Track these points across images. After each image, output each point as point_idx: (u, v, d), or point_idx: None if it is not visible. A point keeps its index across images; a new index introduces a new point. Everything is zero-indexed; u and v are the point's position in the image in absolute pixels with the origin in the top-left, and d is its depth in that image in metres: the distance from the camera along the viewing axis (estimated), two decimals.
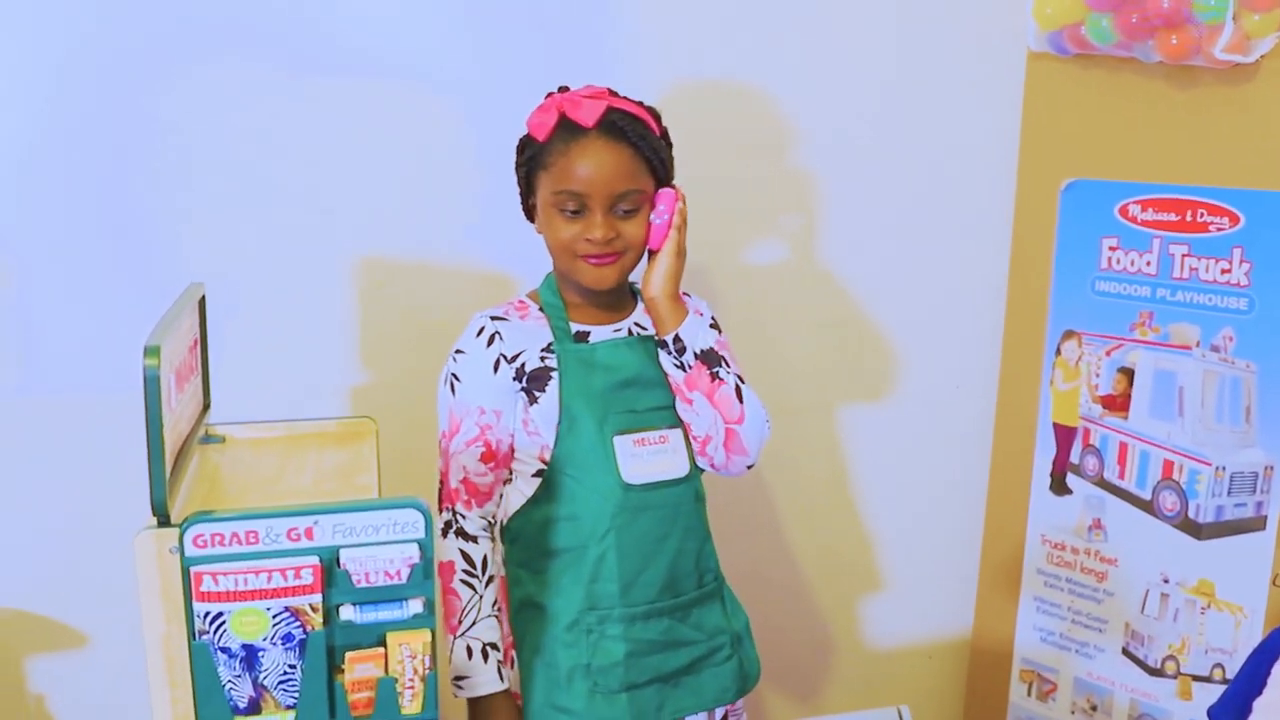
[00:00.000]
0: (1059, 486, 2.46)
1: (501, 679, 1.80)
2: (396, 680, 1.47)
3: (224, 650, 1.43)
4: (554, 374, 1.78)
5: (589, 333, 1.83)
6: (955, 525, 2.66)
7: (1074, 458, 2.44)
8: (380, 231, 2.26)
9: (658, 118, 1.82)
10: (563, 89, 1.80)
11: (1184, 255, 2.24)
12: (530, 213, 1.85)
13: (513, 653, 1.85)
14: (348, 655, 1.46)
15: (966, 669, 2.70)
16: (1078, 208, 2.37)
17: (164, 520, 1.44)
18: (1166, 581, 2.33)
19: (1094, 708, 2.45)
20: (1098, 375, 2.38)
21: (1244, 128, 2.16)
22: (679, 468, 1.83)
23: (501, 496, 1.85)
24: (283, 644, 1.44)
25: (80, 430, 2.21)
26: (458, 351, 1.82)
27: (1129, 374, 2.34)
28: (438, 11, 2.23)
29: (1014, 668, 2.57)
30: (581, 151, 1.73)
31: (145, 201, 2.17)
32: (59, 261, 2.16)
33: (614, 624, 1.79)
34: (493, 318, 1.82)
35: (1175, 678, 2.33)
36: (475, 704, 1.82)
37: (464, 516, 1.81)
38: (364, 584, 1.45)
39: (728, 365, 1.83)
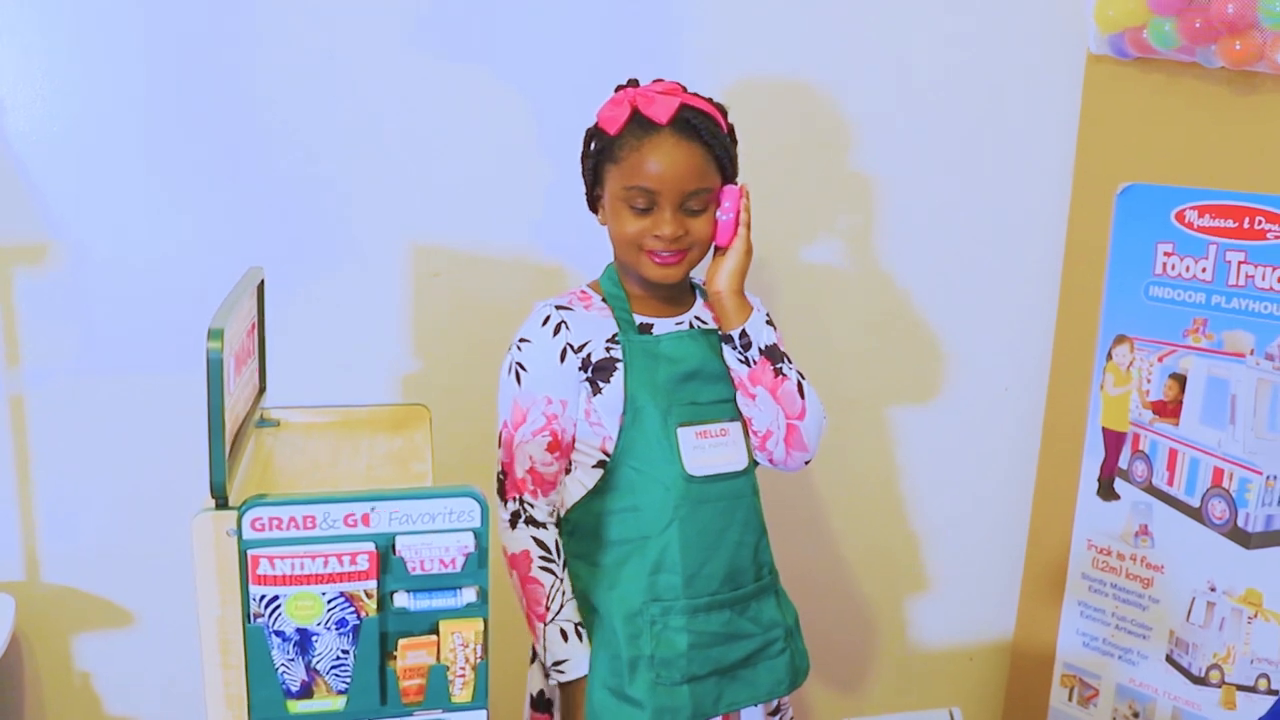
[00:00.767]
0: (1106, 491, 2.45)
1: None
2: (448, 668, 1.48)
3: (278, 634, 1.44)
4: (619, 364, 1.79)
5: (652, 325, 1.84)
6: (1001, 527, 2.65)
7: (1122, 463, 2.42)
8: (436, 221, 2.27)
9: (725, 114, 1.82)
10: (632, 82, 1.80)
11: (1240, 262, 2.22)
12: (594, 204, 1.86)
13: None
14: (400, 642, 1.47)
15: (1008, 671, 2.69)
16: (1133, 212, 2.35)
17: (222, 503, 1.44)
18: (1213, 590, 2.31)
19: (1136, 715, 2.44)
20: (1149, 381, 2.36)
21: None
22: (739, 460, 1.84)
23: (562, 486, 1.86)
24: (336, 629, 1.45)
25: (131, 410, 2.24)
26: (522, 340, 1.82)
27: (1181, 380, 2.32)
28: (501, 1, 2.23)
29: (1056, 672, 2.56)
30: (654, 148, 1.73)
31: (205, 183, 2.19)
32: (118, 242, 2.18)
33: (677, 616, 1.79)
34: (557, 307, 1.82)
35: (1219, 687, 2.31)
36: (573, 686, 1.81)
37: (532, 505, 1.81)
38: (419, 571, 1.45)
39: (789, 361, 1.84)
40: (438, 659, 1.48)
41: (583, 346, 1.79)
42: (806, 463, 1.88)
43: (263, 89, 2.17)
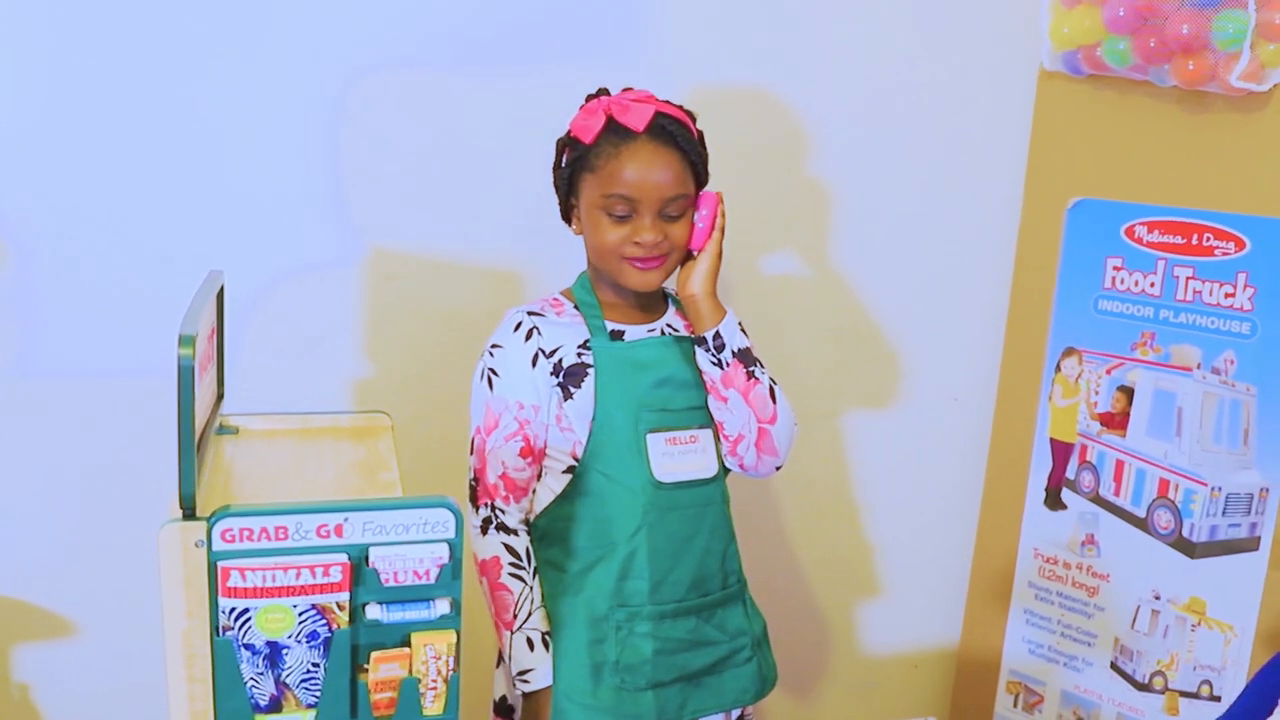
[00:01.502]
0: (1054, 501, 2.48)
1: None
2: (420, 681, 1.46)
3: (248, 647, 1.41)
4: (590, 370, 1.78)
5: (624, 331, 1.84)
6: (948, 535, 2.68)
7: (1070, 473, 2.46)
8: (390, 225, 2.24)
9: (695, 120, 1.83)
10: (603, 91, 1.80)
11: (1188, 278, 2.27)
12: (568, 214, 1.85)
13: None
14: (373, 655, 1.44)
15: (954, 678, 2.72)
16: (1083, 226, 2.39)
17: (190, 513, 1.41)
18: (1158, 598, 2.35)
19: None
20: (1097, 392, 2.40)
21: (1253, 154, 2.18)
22: (708, 468, 1.84)
23: (534, 492, 1.85)
24: (307, 642, 1.42)
25: (74, 417, 2.18)
26: (495, 346, 1.81)
27: (1128, 393, 2.36)
28: (452, 6, 2.21)
29: (1001, 679, 2.59)
30: (632, 155, 1.73)
31: (156, 185, 2.14)
32: (66, 244, 2.12)
33: (643, 622, 1.79)
34: (530, 313, 1.82)
35: (1163, 693, 2.36)
36: (536, 697, 1.81)
37: (503, 511, 1.81)
38: (392, 583, 1.43)
39: (762, 365, 1.84)
40: (410, 671, 1.45)
41: (554, 352, 1.79)
42: (777, 468, 1.89)
43: (215, 90, 2.13)
